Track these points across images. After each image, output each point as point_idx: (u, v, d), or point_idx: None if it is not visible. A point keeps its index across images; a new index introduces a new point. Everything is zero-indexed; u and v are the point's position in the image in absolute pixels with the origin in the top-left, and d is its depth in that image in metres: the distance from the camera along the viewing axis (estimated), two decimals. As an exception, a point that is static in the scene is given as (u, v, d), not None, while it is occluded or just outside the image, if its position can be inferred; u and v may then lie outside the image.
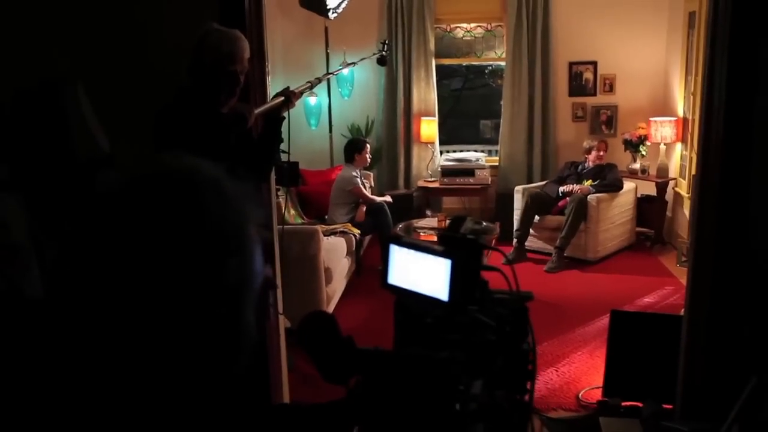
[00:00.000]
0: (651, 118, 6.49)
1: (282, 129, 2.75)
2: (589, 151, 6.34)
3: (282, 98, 2.74)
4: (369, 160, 6.16)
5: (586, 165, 6.36)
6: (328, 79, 6.75)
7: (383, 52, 3.86)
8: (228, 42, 2.45)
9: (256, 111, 2.62)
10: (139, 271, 0.67)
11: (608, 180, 6.17)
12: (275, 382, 3.09)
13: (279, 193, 4.52)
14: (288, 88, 2.81)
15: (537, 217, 6.24)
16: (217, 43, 2.44)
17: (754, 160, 2.54)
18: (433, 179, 6.95)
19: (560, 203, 6.22)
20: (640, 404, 3.20)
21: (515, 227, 6.25)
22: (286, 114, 2.76)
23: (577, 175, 6.35)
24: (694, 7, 5.85)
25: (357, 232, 5.60)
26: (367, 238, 6.08)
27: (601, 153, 6.32)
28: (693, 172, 4.48)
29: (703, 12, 5.37)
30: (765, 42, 2.42)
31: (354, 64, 3.96)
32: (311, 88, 3.08)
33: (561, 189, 6.27)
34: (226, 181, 0.75)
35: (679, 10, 6.34)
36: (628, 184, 6.42)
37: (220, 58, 2.44)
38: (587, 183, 6.18)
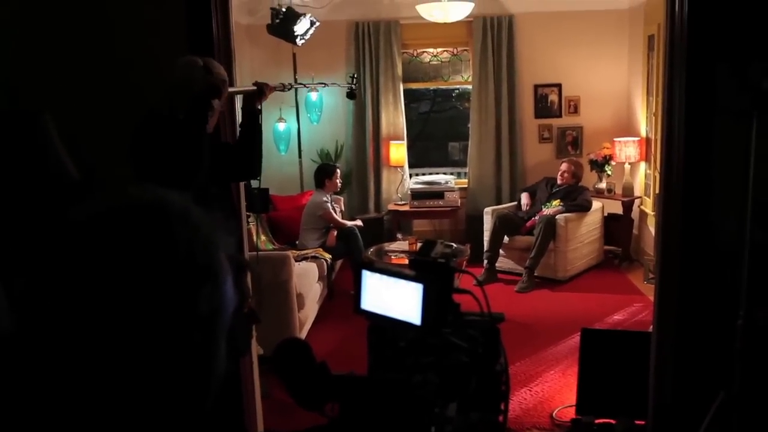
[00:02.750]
0: (615, 139, 6.63)
1: (260, 122, 2.77)
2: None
3: (255, 88, 2.76)
4: (339, 185, 6.18)
5: (558, 184, 6.45)
6: (297, 105, 6.79)
7: (352, 86, 3.90)
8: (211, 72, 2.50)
9: (230, 90, 2.63)
10: (111, 303, 0.67)
11: (577, 201, 6.26)
12: (249, 410, 3.06)
13: (250, 220, 4.51)
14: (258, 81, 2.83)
15: (507, 238, 6.30)
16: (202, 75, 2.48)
17: (715, 177, 2.61)
18: (403, 202, 6.98)
19: (528, 224, 6.29)
20: (613, 421, 3.24)
21: (485, 248, 6.30)
22: (260, 106, 2.77)
23: (549, 193, 6.42)
24: (652, 31, 6.01)
25: (328, 256, 5.60)
26: (339, 262, 6.07)
27: (565, 174, 6.40)
28: (657, 190, 4.57)
29: (661, 36, 5.51)
30: (721, 66, 2.51)
31: (326, 85, 4.00)
32: (284, 89, 3.08)
33: (521, 213, 6.38)
34: (194, 210, 0.76)
35: (638, 33, 6.52)
36: (595, 204, 6.52)
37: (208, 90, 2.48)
38: (555, 203, 6.26)
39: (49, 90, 2.71)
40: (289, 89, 3.16)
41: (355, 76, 4.08)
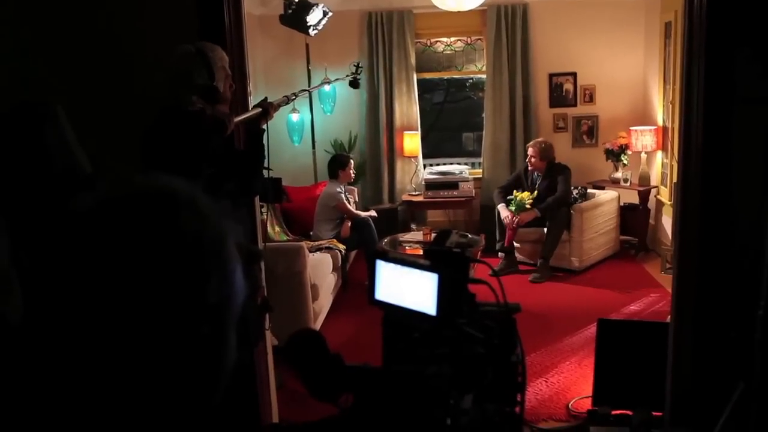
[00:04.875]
0: (631, 128, 6.55)
1: (263, 141, 2.76)
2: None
3: (260, 110, 2.75)
4: (353, 175, 6.17)
5: (530, 171, 6.20)
6: (310, 96, 6.76)
7: (356, 75, 3.87)
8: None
9: (236, 119, 2.63)
10: (118, 293, 0.66)
11: (556, 196, 6.00)
12: (264, 400, 3.06)
13: (263, 210, 4.51)
14: (266, 99, 2.82)
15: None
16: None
17: (734, 165, 2.57)
18: (417, 193, 6.96)
19: (507, 237, 6.06)
20: (629, 412, 3.21)
21: (497, 238, 6.24)
22: (265, 126, 2.77)
23: (531, 186, 6.18)
24: (669, 18, 5.93)
25: (342, 247, 5.59)
26: (353, 253, 6.07)
27: (533, 159, 6.12)
28: (674, 179, 4.52)
29: (678, 22, 5.45)
30: (740, 51, 2.46)
31: (330, 82, 4.00)
32: (288, 102, 3.08)
33: (504, 216, 6.07)
34: (202, 199, 0.75)
35: (655, 20, 6.43)
36: (611, 193, 6.47)
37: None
38: (526, 196, 5.98)
39: (57, 83, 2.71)
40: (293, 99, 3.16)
41: (359, 64, 4.06)
